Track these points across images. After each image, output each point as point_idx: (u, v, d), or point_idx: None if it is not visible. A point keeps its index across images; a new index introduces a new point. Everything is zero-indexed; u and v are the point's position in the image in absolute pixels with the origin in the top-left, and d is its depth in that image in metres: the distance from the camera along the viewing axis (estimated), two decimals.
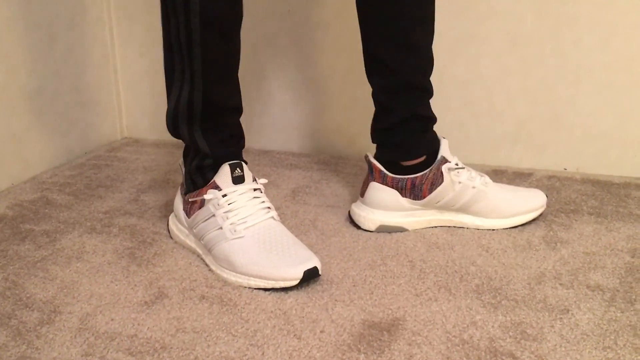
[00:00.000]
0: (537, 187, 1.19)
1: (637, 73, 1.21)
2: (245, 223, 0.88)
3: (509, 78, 1.28)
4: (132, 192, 1.20)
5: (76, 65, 1.39)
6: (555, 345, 0.71)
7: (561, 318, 0.77)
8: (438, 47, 1.29)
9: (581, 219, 1.05)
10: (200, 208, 0.91)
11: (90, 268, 0.90)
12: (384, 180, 0.99)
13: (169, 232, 1.01)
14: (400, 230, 1.01)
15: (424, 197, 0.99)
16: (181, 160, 0.99)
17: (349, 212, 1.05)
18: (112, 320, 0.77)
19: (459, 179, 0.99)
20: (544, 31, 1.24)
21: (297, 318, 0.77)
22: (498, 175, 1.26)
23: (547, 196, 1.06)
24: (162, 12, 0.88)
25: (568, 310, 0.78)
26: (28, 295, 0.83)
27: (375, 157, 1.01)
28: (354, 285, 0.85)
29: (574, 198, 1.14)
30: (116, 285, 0.86)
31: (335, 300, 0.81)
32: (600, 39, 1.21)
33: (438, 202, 0.99)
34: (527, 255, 0.92)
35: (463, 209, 1.01)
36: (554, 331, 0.74)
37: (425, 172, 0.98)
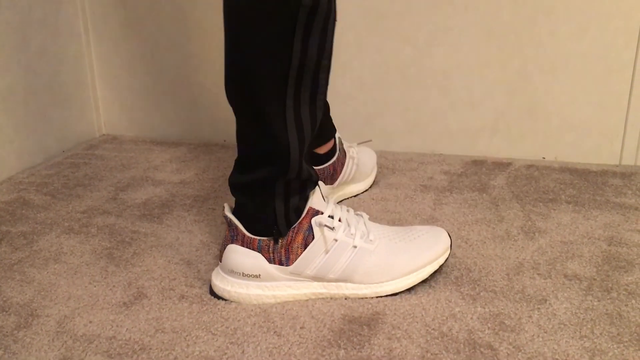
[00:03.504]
0: (515, 176, 1.20)
1: (613, 62, 1.22)
2: (366, 230, 0.81)
3: (487, 69, 1.28)
4: (111, 190, 1.19)
5: (51, 62, 1.37)
6: (533, 335, 0.72)
7: (539, 308, 0.77)
8: (416, 38, 1.30)
9: (559, 208, 1.06)
10: (304, 247, 0.78)
11: (68, 269, 0.89)
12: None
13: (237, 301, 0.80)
14: None
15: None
16: (227, 210, 0.80)
17: None
18: (90, 322, 0.77)
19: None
20: (520, 22, 1.24)
21: (277, 315, 0.77)
22: (478, 165, 1.27)
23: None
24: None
25: (546, 300, 0.79)
26: (5, 298, 0.82)
27: None
28: None
29: (552, 187, 1.15)
30: (94, 286, 0.85)
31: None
32: (576, 28, 1.22)
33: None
34: (506, 246, 0.93)
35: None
36: (532, 321, 0.75)
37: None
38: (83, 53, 1.48)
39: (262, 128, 0.73)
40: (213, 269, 0.87)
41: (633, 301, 0.78)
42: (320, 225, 0.78)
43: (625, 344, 0.70)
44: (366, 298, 0.80)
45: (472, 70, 1.29)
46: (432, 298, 0.80)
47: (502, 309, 0.77)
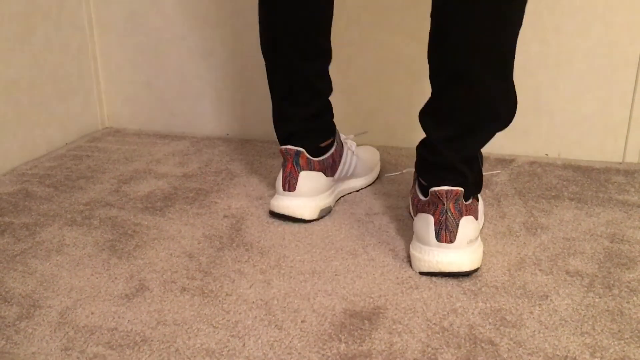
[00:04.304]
0: (518, 173, 1.20)
1: (618, 58, 1.21)
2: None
3: None
4: (113, 183, 1.19)
5: (55, 54, 1.37)
6: (534, 331, 0.72)
7: (540, 304, 0.77)
8: (420, 33, 1.29)
9: (562, 205, 1.06)
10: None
11: (71, 261, 0.90)
12: (311, 167, 1.01)
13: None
14: (330, 210, 1.04)
15: (337, 170, 1.06)
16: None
17: (273, 209, 1.02)
18: (92, 313, 0.77)
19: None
20: (524, 17, 1.23)
21: (279, 308, 0.77)
22: None
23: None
24: None
25: (547, 296, 0.79)
26: (7, 289, 0.83)
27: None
28: (335, 275, 0.85)
29: (555, 184, 1.14)
30: (96, 278, 0.85)
31: (317, 289, 0.81)
32: (581, 25, 1.21)
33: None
34: (508, 242, 0.93)
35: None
36: (533, 317, 0.75)
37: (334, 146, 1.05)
38: (87, 45, 1.47)
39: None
40: (215, 262, 0.88)
41: (634, 298, 0.78)
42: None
43: (626, 340, 0.70)
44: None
45: None
46: (433, 293, 0.80)
47: (503, 305, 0.77)
